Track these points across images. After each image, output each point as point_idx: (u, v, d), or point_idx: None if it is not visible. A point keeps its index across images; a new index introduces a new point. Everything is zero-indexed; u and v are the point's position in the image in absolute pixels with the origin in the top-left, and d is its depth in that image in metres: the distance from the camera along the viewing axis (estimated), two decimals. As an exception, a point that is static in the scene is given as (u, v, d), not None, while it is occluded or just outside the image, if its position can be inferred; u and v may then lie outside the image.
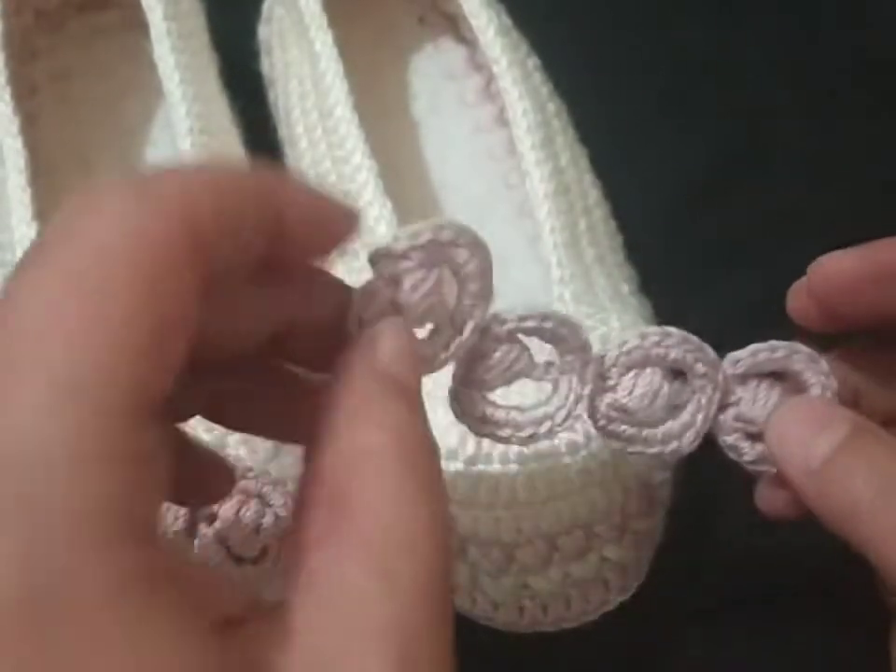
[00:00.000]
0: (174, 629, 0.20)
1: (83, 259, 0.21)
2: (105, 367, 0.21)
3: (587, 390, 0.30)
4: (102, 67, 0.45)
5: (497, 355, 0.29)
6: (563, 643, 0.37)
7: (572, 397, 0.30)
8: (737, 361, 0.32)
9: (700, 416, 0.31)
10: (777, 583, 0.39)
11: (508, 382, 0.30)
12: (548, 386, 0.30)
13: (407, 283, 0.27)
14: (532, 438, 0.30)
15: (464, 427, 0.30)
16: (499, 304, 0.40)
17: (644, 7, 0.50)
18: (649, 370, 0.31)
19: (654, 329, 0.31)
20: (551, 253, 0.38)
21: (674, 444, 0.31)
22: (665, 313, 0.42)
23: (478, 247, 0.28)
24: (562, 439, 0.34)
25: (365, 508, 0.23)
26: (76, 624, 0.19)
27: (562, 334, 0.30)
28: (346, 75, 0.41)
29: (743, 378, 0.32)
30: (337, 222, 0.26)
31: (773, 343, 0.32)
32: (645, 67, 0.49)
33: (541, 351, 0.30)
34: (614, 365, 0.31)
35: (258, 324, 0.26)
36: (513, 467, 0.34)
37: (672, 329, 0.31)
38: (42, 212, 0.42)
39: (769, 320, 0.36)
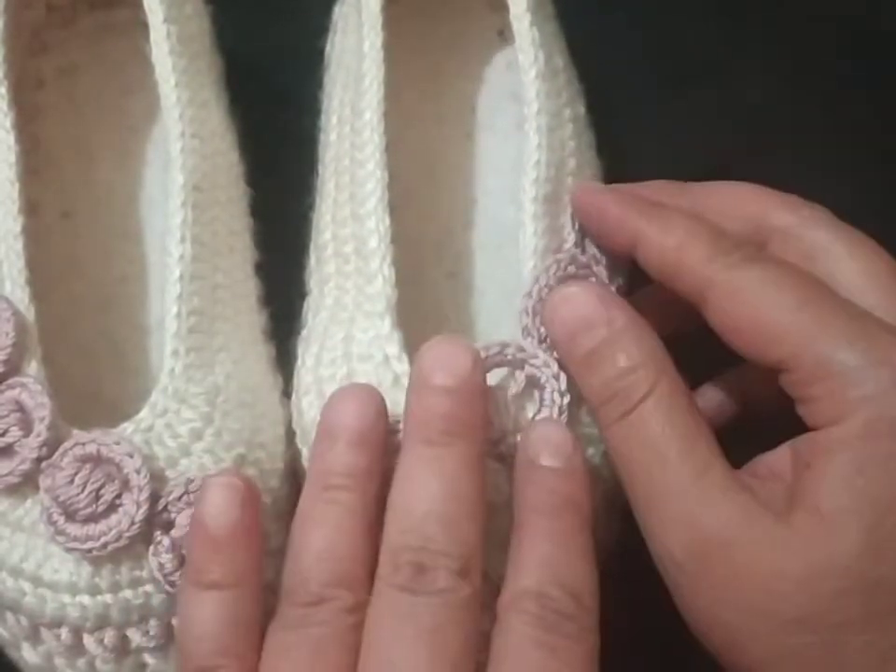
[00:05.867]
0: None
1: None
2: None
3: None
4: (110, 64, 0.45)
5: None
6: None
7: None
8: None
9: None
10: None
11: None
12: None
13: None
14: None
15: None
16: (503, 333, 0.41)
17: (643, 6, 0.50)
18: None
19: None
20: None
21: None
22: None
23: None
24: None
25: None
26: None
27: None
28: (410, 74, 0.41)
29: None
30: None
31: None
32: (644, 67, 0.49)
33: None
34: None
35: None
36: None
37: None
38: (39, 205, 0.43)
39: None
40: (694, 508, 0.31)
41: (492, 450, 0.35)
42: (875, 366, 0.31)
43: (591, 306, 0.34)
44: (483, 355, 0.35)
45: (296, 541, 0.33)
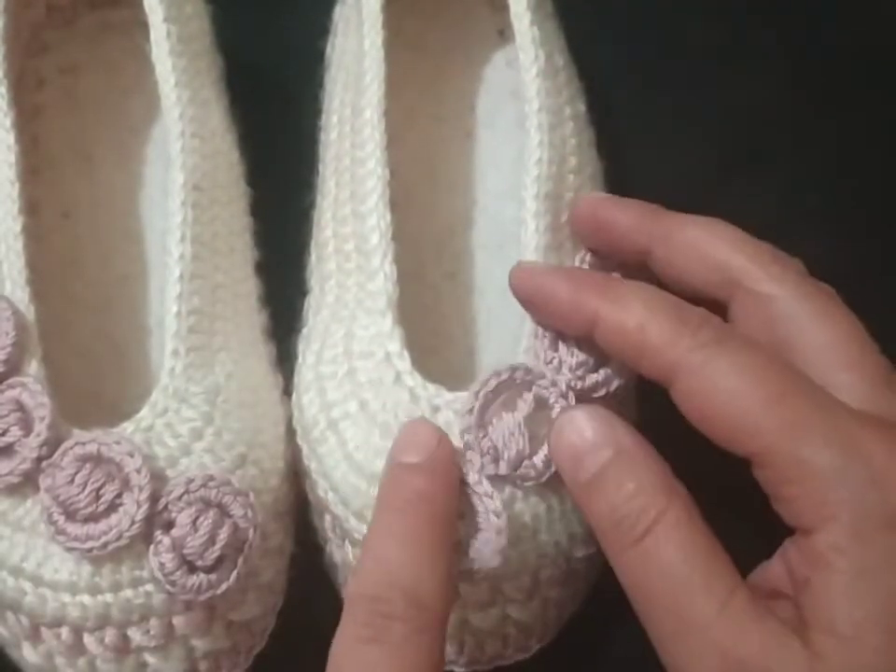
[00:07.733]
0: None
1: None
2: None
3: None
4: (110, 64, 0.45)
5: None
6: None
7: None
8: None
9: None
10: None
11: None
12: None
13: None
14: None
15: None
16: (503, 332, 0.41)
17: (643, 7, 0.50)
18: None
19: None
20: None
21: None
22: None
23: None
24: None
25: None
26: None
27: None
28: (410, 73, 0.41)
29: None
30: None
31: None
32: (644, 67, 0.49)
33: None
34: None
35: None
36: None
37: None
38: (39, 204, 0.43)
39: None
40: (726, 637, 0.30)
41: (511, 475, 0.34)
42: (851, 465, 0.30)
43: (595, 428, 0.33)
44: (494, 382, 0.34)
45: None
